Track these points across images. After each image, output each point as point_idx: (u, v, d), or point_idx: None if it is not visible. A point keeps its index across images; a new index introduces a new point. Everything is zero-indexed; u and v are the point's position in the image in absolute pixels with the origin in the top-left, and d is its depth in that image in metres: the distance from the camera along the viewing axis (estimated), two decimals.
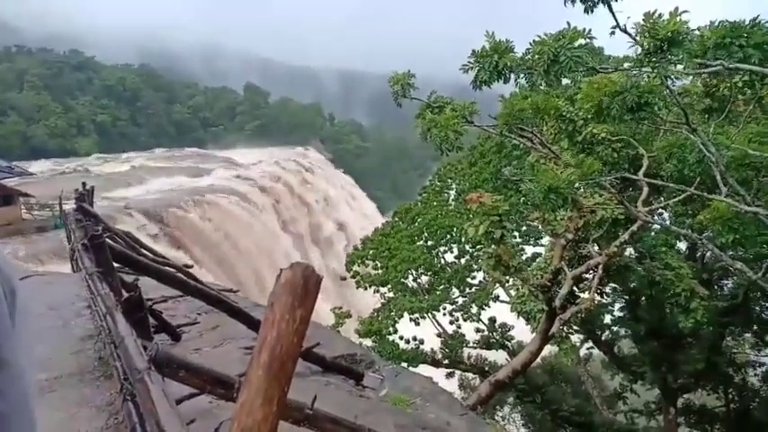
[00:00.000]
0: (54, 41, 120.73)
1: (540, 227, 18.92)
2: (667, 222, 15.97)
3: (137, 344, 3.02)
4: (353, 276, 22.70)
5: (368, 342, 18.54)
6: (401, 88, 8.63)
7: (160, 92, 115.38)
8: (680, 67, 6.00)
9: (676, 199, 11.20)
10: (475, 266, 21.64)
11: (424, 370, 19.34)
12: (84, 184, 12.41)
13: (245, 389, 1.81)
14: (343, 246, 71.56)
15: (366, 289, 22.15)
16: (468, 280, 21.76)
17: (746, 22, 6.93)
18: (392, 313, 19.20)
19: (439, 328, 20.61)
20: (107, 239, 5.32)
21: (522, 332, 18.31)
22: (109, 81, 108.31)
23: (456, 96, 10.01)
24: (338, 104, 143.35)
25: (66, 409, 4.20)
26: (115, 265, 5.25)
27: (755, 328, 19.56)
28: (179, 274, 6.63)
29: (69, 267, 12.45)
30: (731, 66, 6.02)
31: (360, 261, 22.90)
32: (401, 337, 19.11)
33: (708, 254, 16.71)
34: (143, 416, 2.70)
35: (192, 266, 8.04)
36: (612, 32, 5.81)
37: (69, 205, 18.28)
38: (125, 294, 4.52)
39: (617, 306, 19.89)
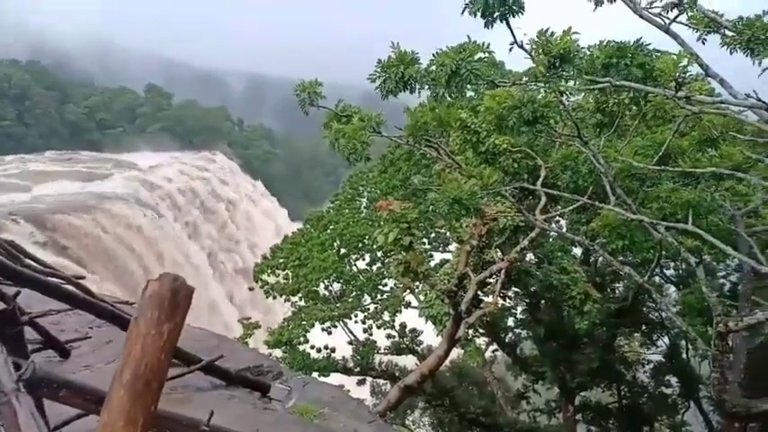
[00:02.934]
0: None
1: (447, 234, 19.51)
2: (563, 230, 17.00)
3: (6, 363, 2.73)
4: (262, 286, 22.19)
5: (278, 353, 18.18)
6: (308, 96, 8.59)
7: (52, 90, 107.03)
8: (571, 83, 6.43)
9: (571, 207, 11.92)
10: (387, 273, 21.86)
11: (336, 379, 19.27)
12: None
13: (105, 410, 1.69)
14: (253, 254, 69.75)
15: (275, 298, 21.73)
16: (380, 287, 21.94)
17: (631, 44, 7.56)
18: (303, 322, 18.95)
19: (351, 335, 20.61)
20: None
21: (432, 337, 18.71)
22: None
23: (369, 104, 10.12)
24: (247, 109, 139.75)
25: None
26: None
27: (644, 328, 21.28)
28: (68, 286, 6.17)
29: None
30: (617, 83, 6.53)
31: (269, 270, 22.43)
32: (312, 347, 18.91)
33: (600, 259, 17.90)
34: None
35: (83, 278, 7.48)
36: (511, 48, 6.13)
37: None
38: None
39: (519, 309, 20.85)
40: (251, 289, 24.84)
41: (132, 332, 1.72)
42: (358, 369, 19.61)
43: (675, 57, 6.84)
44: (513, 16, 6.27)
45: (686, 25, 7.39)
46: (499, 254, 12.79)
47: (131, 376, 1.69)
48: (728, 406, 10.20)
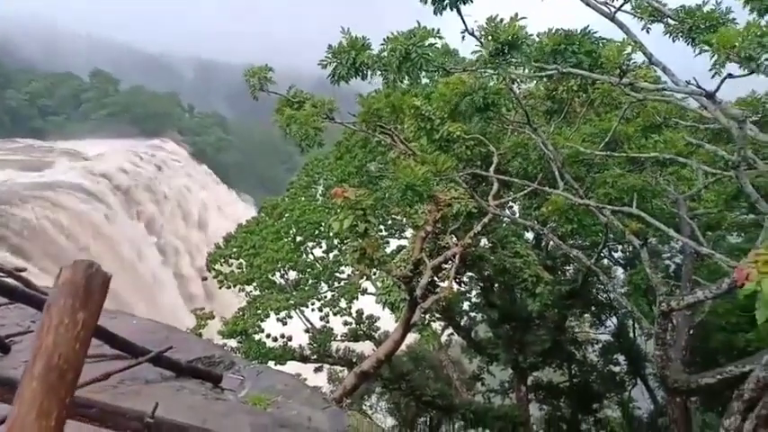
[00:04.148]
0: None
1: (403, 220, 19.61)
2: (516, 215, 17.35)
3: None
4: (215, 276, 21.80)
5: (233, 343, 17.95)
6: (258, 81, 8.40)
7: None
8: (520, 70, 6.52)
9: (522, 193, 12.16)
10: (343, 261, 21.82)
11: (293, 367, 19.18)
12: None
13: (16, 403, 1.61)
14: (206, 244, 68.39)
15: (229, 288, 21.41)
16: (337, 274, 21.89)
17: (578, 31, 7.71)
18: (258, 312, 18.75)
19: (307, 323, 20.52)
20: None
21: (389, 322, 18.84)
22: None
23: (324, 92, 9.97)
24: (198, 95, 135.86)
25: None
26: None
27: (593, 308, 22.06)
28: (8, 280, 5.91)
29: None
30: (565, 70, 6.65)
31: (222, 260, 22.05)
32: (268, 336, 18.74)
33: (551, 243, 18.38)
34: None
35: (24, 270, 7.17)
36: (463, 35, 6.15)
37: None
38: None
39: (474, 293, 21.27)
40: (204, 279, 24.34)
41: (44, 322, 1.64)
42: (315, 357, 19.58)
43: (620, 44, 7.01)
44: (464, 3, 6.28)
45: (631, 14, 7.58)
46: (454, 239, 12.95)
47: (44, 368, 1.61)
48: (671, 382, 10.65)
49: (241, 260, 21.87)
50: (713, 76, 6.02)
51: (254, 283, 20.98)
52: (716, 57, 5.72)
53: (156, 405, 2.60)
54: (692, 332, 13.31)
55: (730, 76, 6.17)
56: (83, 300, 1.65)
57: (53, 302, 1.64)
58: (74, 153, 74.83)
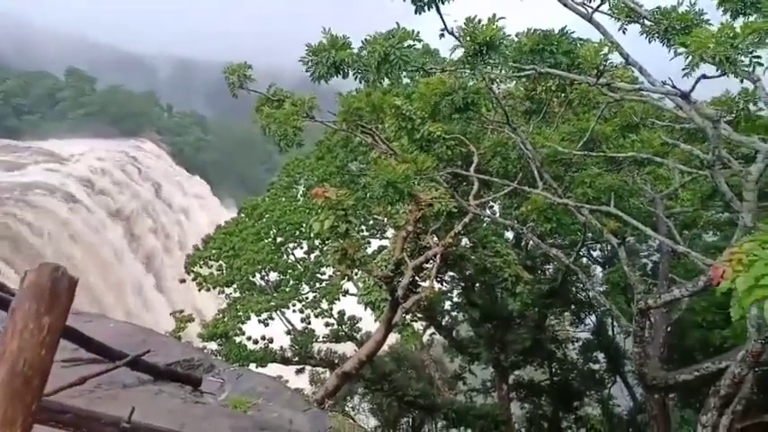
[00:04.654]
0: None
1: (384, 220, 19.60)
2: (496, 214, 17.46)
3: None
4: (194, 279, 21.53)
5: (213, 346, 17.75)
6: (237, 79, 8.32)
7: None
8: (498, 70, 6.55)
9: (502, 192, 12.23)
10: (324, 262, 21.69)
11: (275, 369, 19.04)
12: None
13: None
14: (185, 246, 67.58)
15: (209, 290, 21.17)
16: (318, 275, 21.76)
17: (557, 32, 7.77)
18: (239, 314, 18.56)
19: (288, 325, 20.39)
20: None
21: (371, 323, 18.81)
22: None
23: (306, 90, 9.88)
24: (176, 94, 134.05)
25: None
26: None
27: (573, 307, 22.28)
28: None
29: None
30: (543, 70, 6.71)
31: (201, 262, 21.78)
32: (249, 338, 18.57)
33: (531, 242, 18.52)
34: None
35: None
36: (442, 35, 6.16)
37: None
38: None
39: (455, 293, 21.34)
40: (182, 281, 23.97)
41: (9, 327, 1.58)
42: (296, 358, 19.46)
43: (597, 45, 7.09)
44: (443, 3, 6.30)
45: (608, 15, 7.66)
46: (435, 239, 12.98)
47: (7, 374, 1.56)
48: (649, 378, 10.82)
49: (221, 262, 21.62)
50: (683, 76, 6.12)
51: (235, 285, 20.77)
52: (690, 58, 5.80)
53: (132, 409, 2.55)
54: (669, 329, 13.52)
55: (704, 76, 6.27)
56: (48, 304, 1.59)
57: (18, 307, 1.59)
58: (50, 153, 73.30)
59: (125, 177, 72.79)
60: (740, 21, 6.97)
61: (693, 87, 6.57)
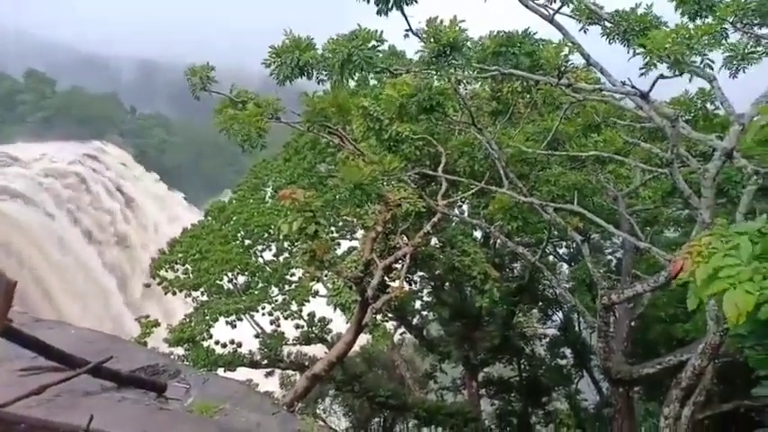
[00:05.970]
0: None
1: (354, 221, 19.57)
2: (465, 214, 17.61)
3: None
4: (160, 283, 21.10)
5: (180, 351, 17.41)
6: (200, 80, 8.19)
7: None
8: (462, 71, 6.61)
9: (469, 192, 12.34)
10: (294, 263, 21.53)
11: (243, 373, 18.80)
12: None
13: None
14: (148, 250, 66.15)
15: (175, 294, 20.77)
16: (288, 277, 21.58)
17: (519, 33, 7.89)
18: (206, 317, 18.24)
19: (257, 328, 20.16)
20: None
21: (341, 324, 18.73)
22: None
23: (270, 91, 9.77)
24: (140, 96, 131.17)
25: None
26: None
27: (540, 304, 22.64)
28: None
29: None
30: (506, 71, 6.79)
31: (167, 265, 21.36)
32: (217, 342, 18.28)
33: (499, 241, 18.72)
34: None
35: None
36: (406, 35, 6.18)
37: None
38: None
39: (425, 292, 21.44)
40: (147, 285, 23.47)
41: None
42: (266, 362, 19.24)
43: (557, 46, 7.21)
44: (408, 4, 6.32)
45: (570, 17, 7.82)
46: (404, 239, 13.02)
47: None
48: (613, 372, 11.05)
49: (187, 265, 21.26)
50: (641, 76, 6.29)
51: (202, 288, 20.44)
52: (647, 58, 5.96)
53: (90, 417, 2.48)
54: (632, 324, 13.85)
55: (662, 76, 6.45)
56: None
57: None
58: (9, 157, 70.81)
59: (87, 181, 70.89)
60: (697, 23, 7.21)
61: (652, 87, 6.75)
